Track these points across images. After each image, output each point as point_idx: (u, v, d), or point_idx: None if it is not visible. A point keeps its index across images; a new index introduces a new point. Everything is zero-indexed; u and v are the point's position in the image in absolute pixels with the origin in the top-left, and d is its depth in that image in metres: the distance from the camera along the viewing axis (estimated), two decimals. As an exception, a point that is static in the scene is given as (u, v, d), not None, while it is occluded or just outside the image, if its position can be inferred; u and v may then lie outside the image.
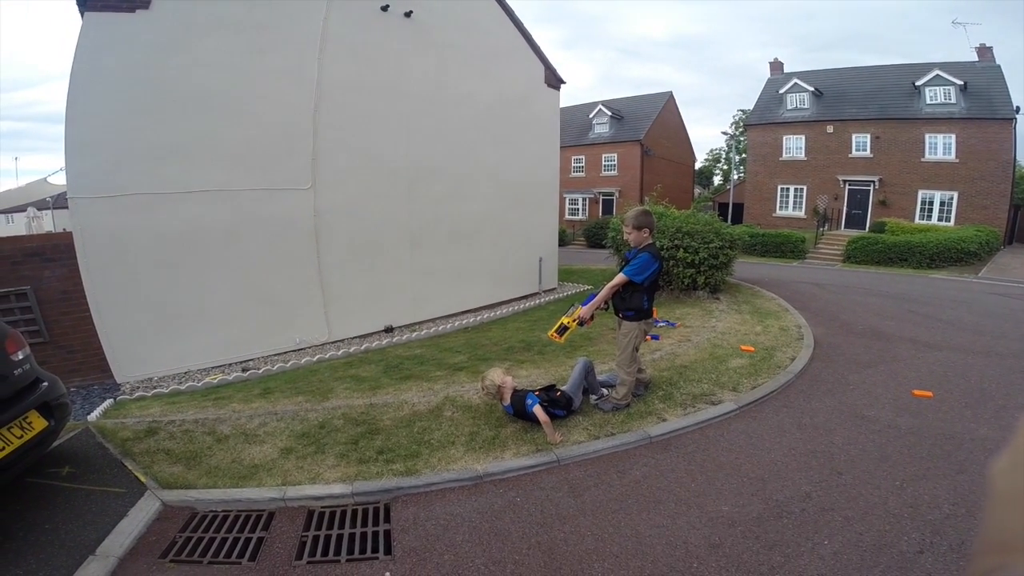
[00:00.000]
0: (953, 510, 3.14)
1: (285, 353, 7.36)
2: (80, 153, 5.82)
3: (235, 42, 6.69)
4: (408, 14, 8.43)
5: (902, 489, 3.40)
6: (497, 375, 4.41)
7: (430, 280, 9.17)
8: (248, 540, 3.06)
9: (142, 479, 3.67)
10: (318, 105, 7.41)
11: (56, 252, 6.09)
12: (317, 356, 7.17)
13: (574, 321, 4.49)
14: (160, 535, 3.14)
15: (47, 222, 15.22)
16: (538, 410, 4.10)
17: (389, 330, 8.53)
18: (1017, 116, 20.21)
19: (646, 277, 4.31)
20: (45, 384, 3.64)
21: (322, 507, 3.39)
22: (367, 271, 8.27)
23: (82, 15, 5.84)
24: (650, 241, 4.46)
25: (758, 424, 4.47)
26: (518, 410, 4.26)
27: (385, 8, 8.13)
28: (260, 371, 6.58)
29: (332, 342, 7.85)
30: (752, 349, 6.39)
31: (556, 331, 4.56)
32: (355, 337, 8.15)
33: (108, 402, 5.44)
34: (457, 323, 9.15)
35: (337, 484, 3.56)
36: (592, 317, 4.54)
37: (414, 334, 8.41)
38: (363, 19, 7.96)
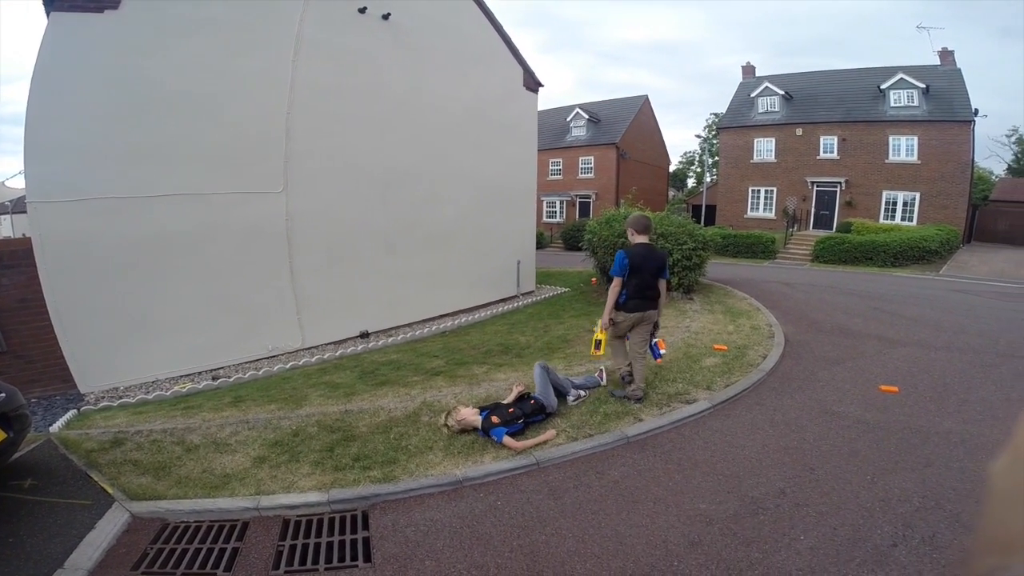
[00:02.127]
0: (923, 503, 3.23)
1: (257, 360, 7.22)
2: (41, 156, 5.62)
3: (209, 43, 6.56)
4: (386, 16, 8.38)
5: (873, 483, 3.49)
6: (453, 415, 4.29)
7: (406, 284, 9.11)
8: (223, 551, 3.00)
9: (109, 490, 3.57)
10: (291, 107, 7.31)
11: (14, 259, 5.87)
12: (290, 363, 7.05)
13: (603, 331, 4.89)
14: (130, 547, 3.06)
15: (6, 227, 14.65)
16: (508, 441, 4.02)
17: (365, 335, 8.45)
18: (975, 118, 21.05)
19: (615, 270, 4.68)
20: (3, 395, 3.51)
21: (298, 516, 3.34)
22: (341, 276, 8.17)
23: (48, 15, 5.65)
24: (640, 240, 4.82)
25: (732, 422, 4.56)
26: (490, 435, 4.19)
27: (363, 10, 8.06)
28: (231, 379, 6.45)
29: (306, 348, 7.73)
30: (725, 348, 6.52)
31: (595, 348, 4.94)
32: (329, 343, 8.04)
33: (71, 413, 5.26)
34: (434, 327, 9.10)
35: (313, 492, 3.51)
36: (612, 320, 4.84)
37: (390, 339, 8.34)
38: (340, 21, 7.88)
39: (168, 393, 5.96)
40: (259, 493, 3.53)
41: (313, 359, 7.24)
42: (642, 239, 4.78)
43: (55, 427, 4.83)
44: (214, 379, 6.45)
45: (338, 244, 8.10)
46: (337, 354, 7.50)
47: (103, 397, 5.90)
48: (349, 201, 8.20)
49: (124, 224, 6.08)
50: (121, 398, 5.83)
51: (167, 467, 3.95)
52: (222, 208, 6.82)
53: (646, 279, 4.68)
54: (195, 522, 3.30)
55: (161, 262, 6.40)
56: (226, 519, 3.33)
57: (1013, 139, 36.40)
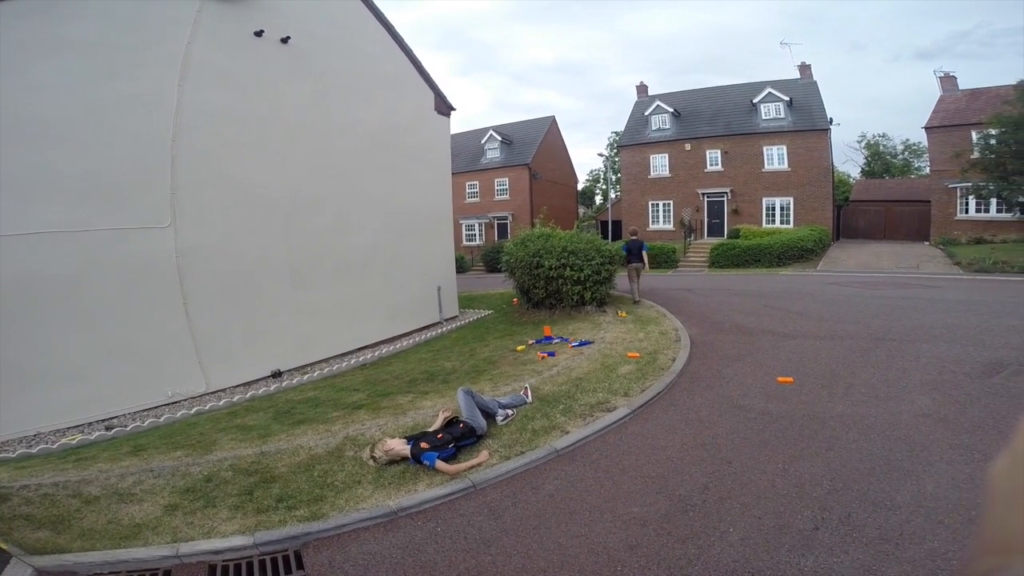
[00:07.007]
0: (832, 485, 3.47)
1: (157, 408, 6.55)
2: None
3: (79, 65, 5.99)
4: (285, 40, 8.09)
5: (785, 471, 3.72)
6: (380, 447, 4.17)
7: (320, 318, 8.70)
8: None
9: (3, 546, 3.21)
10: (177, 135, 6.80)
11: None
12: (195, 408, 6.48)
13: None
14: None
15: None
16: (441, 465, 3.95)
17: (277, 375, 7.93)
18: (831, 127, 23.92)
19: (623, 250, 11.08)
20: None
21: (224, 560, 3.18)
22: (245, 313, 7.64)
23: None
24: (631, 237, 11.20)
25: (651, 425, 4.78)
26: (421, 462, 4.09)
27: (259, 34, 7.73)
28: (128, 428, 5.88)
29: (211, 392, 7.12)
30: (638, 355, 6.83)
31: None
32: (238, 385, 7.46)
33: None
34: (354, 360, 8.76)
35: (236, 536, 3.33)
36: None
37: (306, 376, 7.90)
38: (233, 44, 7.50)
39: (55, 446, 5.40)
40: (176, 541, 3.30)
41: (221, 402, 6.70)
42: (632, 237, 11.11)
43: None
44: (108, 429, 5.85)
45: (238, 280, 7.59)
46: (248, 396, 6.99)
47: (-27, 458, 5.13)
48: (248, 233, 7.73)
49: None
50: (-1, 453, 5.17)
51: (66, 520, 3.59)
52: (98, 246, 6.19)
53: (633, 251, 10.85)
54: (110, 573, 3.06)
55: (32, 307, 5.70)
56: (145, 568, 3.11)
57: (863, 144, 41.90)
